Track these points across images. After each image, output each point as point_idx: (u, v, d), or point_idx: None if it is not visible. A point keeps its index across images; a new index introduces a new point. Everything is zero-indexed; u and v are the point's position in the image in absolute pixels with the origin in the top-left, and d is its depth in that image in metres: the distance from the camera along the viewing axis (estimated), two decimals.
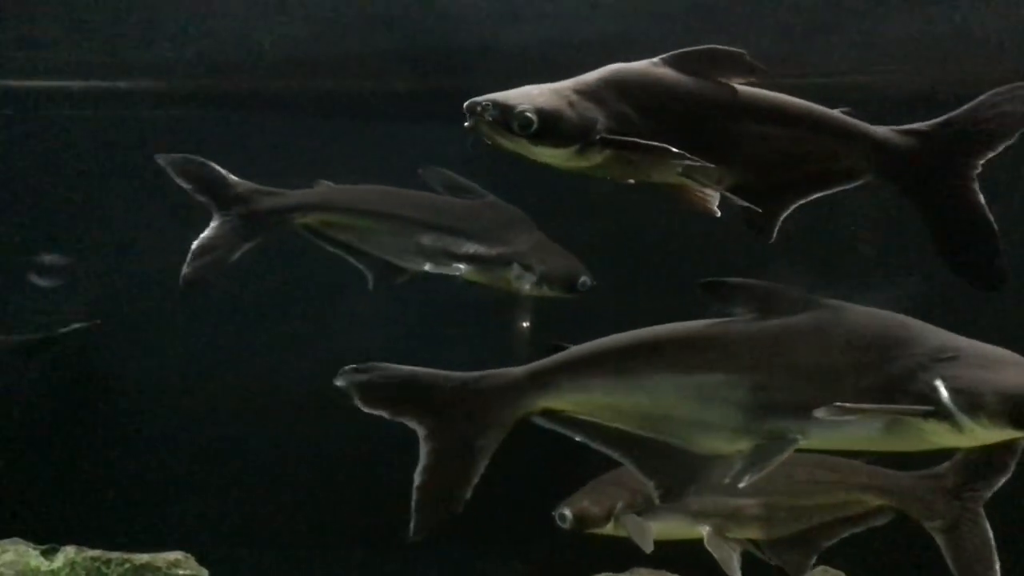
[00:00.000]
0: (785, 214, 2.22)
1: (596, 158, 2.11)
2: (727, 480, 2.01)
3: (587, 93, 2.10)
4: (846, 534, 2.66)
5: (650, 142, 2.07)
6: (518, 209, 3.08)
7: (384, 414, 2.00)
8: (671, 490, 2.11)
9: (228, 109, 3.57)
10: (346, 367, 1.97)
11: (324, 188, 3.01)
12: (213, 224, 2.85)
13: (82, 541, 2.78)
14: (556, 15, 3.42)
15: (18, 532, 2.78)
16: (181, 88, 3.52)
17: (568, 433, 2.07)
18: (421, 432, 2.01)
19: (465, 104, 2.04)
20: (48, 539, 2.78)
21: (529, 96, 2.07)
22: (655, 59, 2.16)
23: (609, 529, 2.93)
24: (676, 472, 2.10)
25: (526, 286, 3.02)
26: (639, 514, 2.91)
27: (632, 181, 2.19)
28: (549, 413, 2.04)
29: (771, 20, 3.39)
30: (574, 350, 2.05)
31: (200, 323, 3.46)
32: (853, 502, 2.68)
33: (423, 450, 2.01)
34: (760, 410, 2.02)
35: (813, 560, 2.68)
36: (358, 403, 1.98)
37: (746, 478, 1.99)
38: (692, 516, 2.88)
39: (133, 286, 3.46)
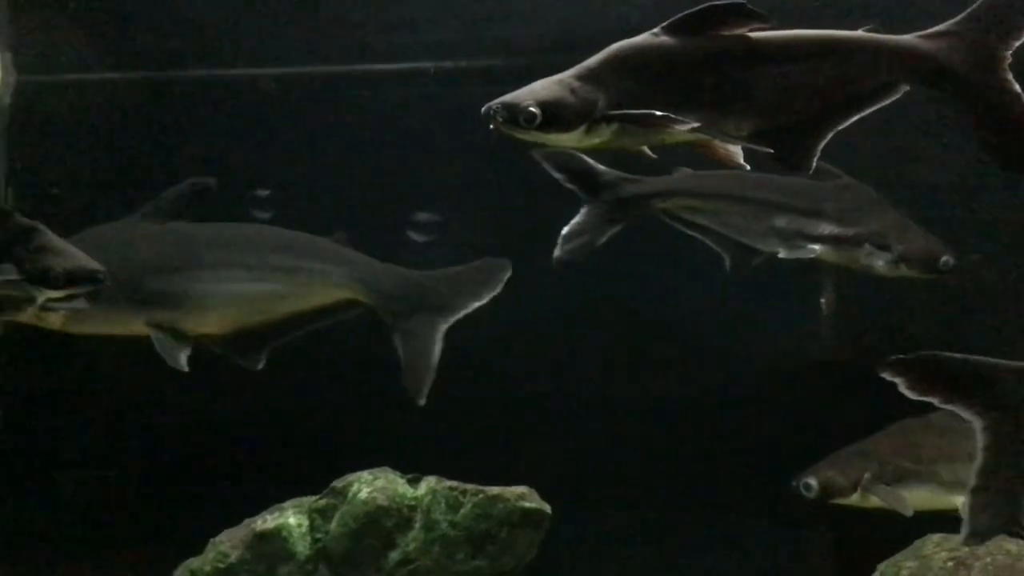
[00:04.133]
0: (822, 143, 2.25)
1: (605, 134, 2.26)
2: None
3: (588, 76, 2.25)
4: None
5: (642, 111, 2.20)
6: (872, 188, 3.08)
7: (935, 401, 1.92)
8: None
9: None
10: (893, 356, 1.91)
11: (683, 174, 3.16)
12: (583, 210, 3.08)
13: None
14: None
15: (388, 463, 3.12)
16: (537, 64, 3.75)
17: None
18: (978, 425, 1.91)
19: (481, 110, 2.26)
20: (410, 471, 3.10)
21: (532, 91, 2.26)
22: (656, 29, 2.26)
23: (855, 500, 2.90)
24: None
25: (881, 265, 3.01)
26: (888, 485, 2.87)
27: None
28: None
29: None
30: None
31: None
32: None
33: (980, 445, 1.91)
34: None
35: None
36: (906, 391, 1.89)
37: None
38: (945, 486, 2.81)
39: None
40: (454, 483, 2.96)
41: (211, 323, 3.52)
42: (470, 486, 2.93)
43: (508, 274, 3.35)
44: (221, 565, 2.94)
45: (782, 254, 3.11)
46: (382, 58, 3.97)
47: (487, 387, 3.65)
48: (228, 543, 2.98)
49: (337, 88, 4.03)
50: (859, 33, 2.27)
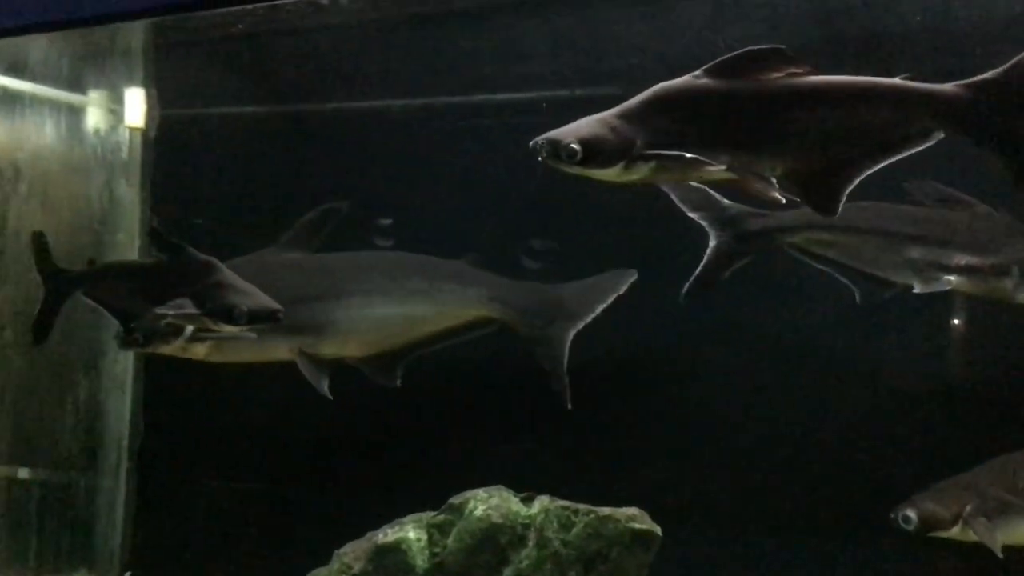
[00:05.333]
0: (852, 186, 2.32)
1: (644, 171, 2.37)
2: None
3: (629, 116, 2.37)
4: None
5: (675, 152, 2.31)
6: (1013, 218, 3.03)
7: None
8: None
9: None
10: None
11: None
12: (711, 244, 3.15)
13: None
14: None
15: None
16: None
17: None
18: None
19: (529, 144, 2.40)
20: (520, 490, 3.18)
21: (575, 129, 2.38)
22: (697, 71, 2.36)
23: (955, 533, 2.85)
24: None
25: None
26: (989, 519, 2.81)
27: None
28: None
29: None
30: None
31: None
32: None
33: None
34: None
35: None
36: None
37: None
38: None
39: None
40: (566, 502, 3.03)
41: (353, 347, 3.72)
42: (582, 506, 3.00)
43: (633, 280, 3.54)
44: None
45: (917, 288, 3.08)
46: (503, 88, 4.11)
47: (597, 410, 3.73)
48: (351, 555, 3.11)
49: (461, 117, 4.17)
50: (895, 80, 2.33)
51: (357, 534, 3.21)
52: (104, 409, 4.46)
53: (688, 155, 2.30)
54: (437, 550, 3.07)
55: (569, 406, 3.48)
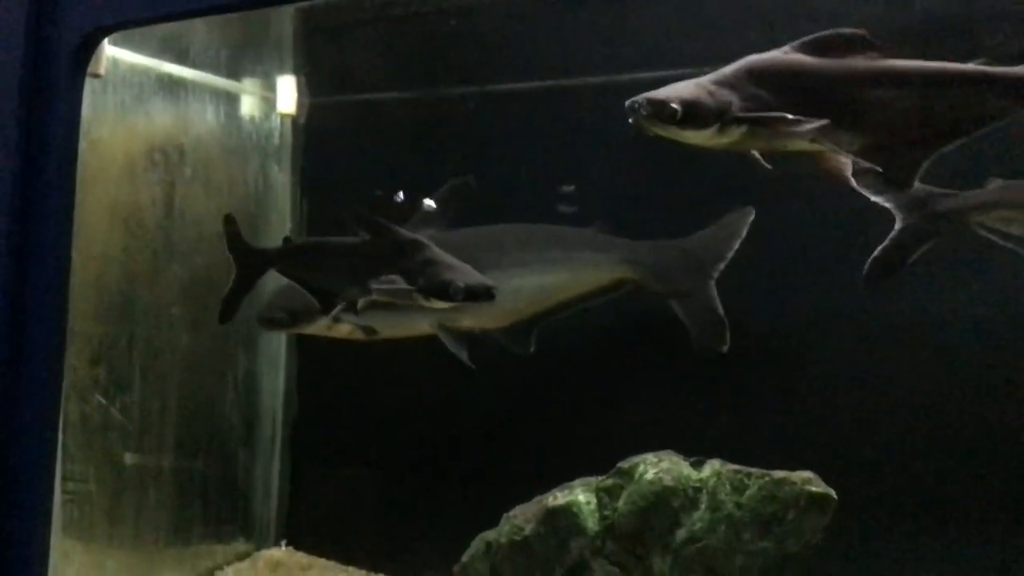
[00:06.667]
0: (926, 163, 2.50)
1: (735, 135, 2.51)
2: None
3: (724, 82, 2.52)
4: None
5: (770, 114, 2.44)
6: None
7: None
8: None
9: None
10: None
11: (998, 185, 3.12)
12: (896, 227, 3.14)
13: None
14: None
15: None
16: None
17: None
18: None
19: (625, 104, 2.52)
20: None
21: (675, 90, 2.53)
22: (786, 47, 2.54)
23: None
24: None
25: None
26: None
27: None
28: None
29: None
30: None
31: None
32: None
33: None
34: None
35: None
36: None
37: None
38: None
39: None
40: (737, 466, 3.06)
41: (491, 318, 3.79)
42: (754, 469, 3.03)
43: (751, 218, 3.60)
44: (516, 538, 3.15)
45: None
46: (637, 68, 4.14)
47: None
48: (522, 517, 3.19)
49: (594, 97, 4.22)
50: (970, 66, 2.50)
51: (514, 503, 3.29)
52: (260, 386, 4.62)
53: (787, 116, 2.45)
54: (607, 513, 3.12)
55: (725, 348, 3.55)
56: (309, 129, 4.81)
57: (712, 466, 3.08)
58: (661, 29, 4.08)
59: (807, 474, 2.98)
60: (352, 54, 4.78)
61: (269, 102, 4.72)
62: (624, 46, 4.18)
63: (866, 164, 2.62)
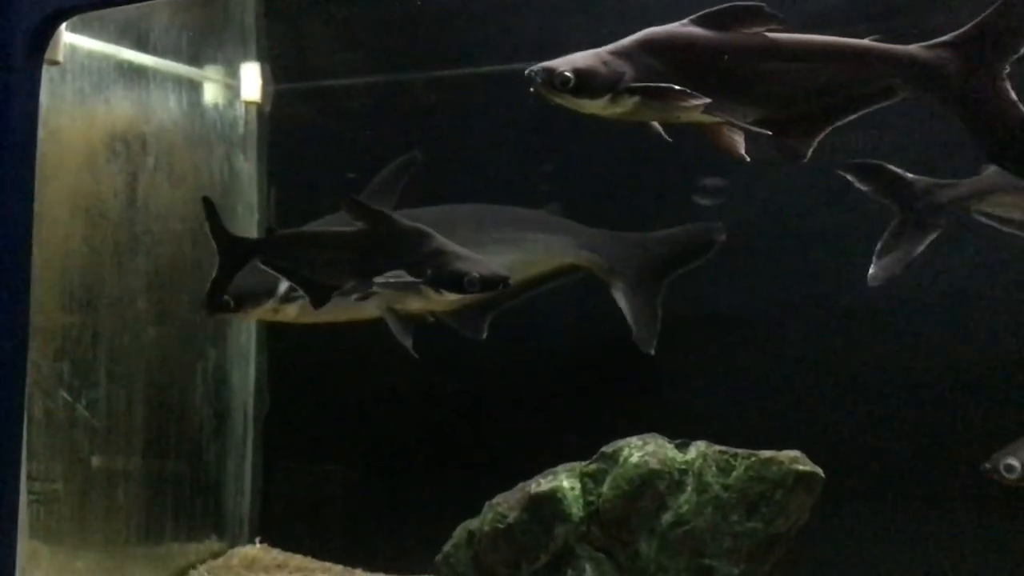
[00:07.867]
0: (819, 137, 2.55)
1: (628, 105, 2.55)
2: None
3: (620, 53, 2.56)
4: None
5: (661, 84, 2.49)
6: None
7: None
8: None
9: None
10: None
11: (993, 172, 3.07)
12: (895, 221, 3.10)
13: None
14: None
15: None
16: None
17: None
18: None
19: (524, 72, 2.57)
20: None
21: (571, 59, 2.57)
22: (684, 20, 2.58)
23: None
24: None
25: None
26: None
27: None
28: None
29: None
30: None
31: None
32: None
33: None
34: None
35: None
36: None
37: None
38: None
39: None
40: (723, 447, 3.01)
41: (439, 301, 3.69)
42: (740, 450, 2.98)
43: (722, 236, 3.55)
44: (500, 525, 3.08)
45: None
46: None
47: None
48: (505, 504, 3.12)
49: None
50: (863, 41, 2.54)
51: (492, 494, 3.22)
52: (230, 380, 4.52)
53: (676, 88, 2.48)
54: (591, 498, 3.06)
55: (651, 352, 3.55)
56: (275, 117, 4.71)
57: (698, 448, 3.03)
58: (637, 8, 4.01)
59: (794, 453, 2.94)
60: (317, 39, 4.68)
61: (233, 89, 4.61)
62: (599, 28, 4.11)
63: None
